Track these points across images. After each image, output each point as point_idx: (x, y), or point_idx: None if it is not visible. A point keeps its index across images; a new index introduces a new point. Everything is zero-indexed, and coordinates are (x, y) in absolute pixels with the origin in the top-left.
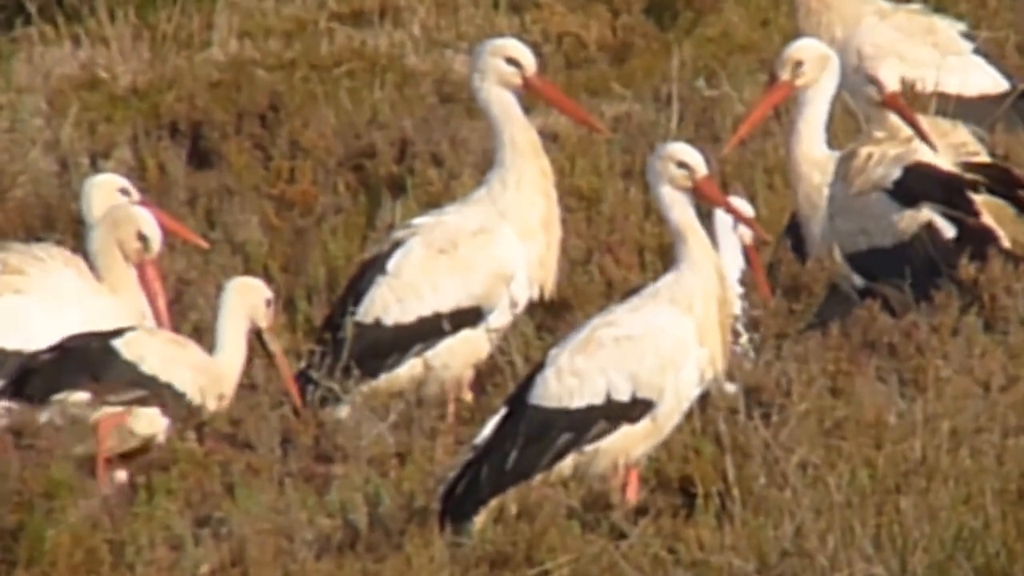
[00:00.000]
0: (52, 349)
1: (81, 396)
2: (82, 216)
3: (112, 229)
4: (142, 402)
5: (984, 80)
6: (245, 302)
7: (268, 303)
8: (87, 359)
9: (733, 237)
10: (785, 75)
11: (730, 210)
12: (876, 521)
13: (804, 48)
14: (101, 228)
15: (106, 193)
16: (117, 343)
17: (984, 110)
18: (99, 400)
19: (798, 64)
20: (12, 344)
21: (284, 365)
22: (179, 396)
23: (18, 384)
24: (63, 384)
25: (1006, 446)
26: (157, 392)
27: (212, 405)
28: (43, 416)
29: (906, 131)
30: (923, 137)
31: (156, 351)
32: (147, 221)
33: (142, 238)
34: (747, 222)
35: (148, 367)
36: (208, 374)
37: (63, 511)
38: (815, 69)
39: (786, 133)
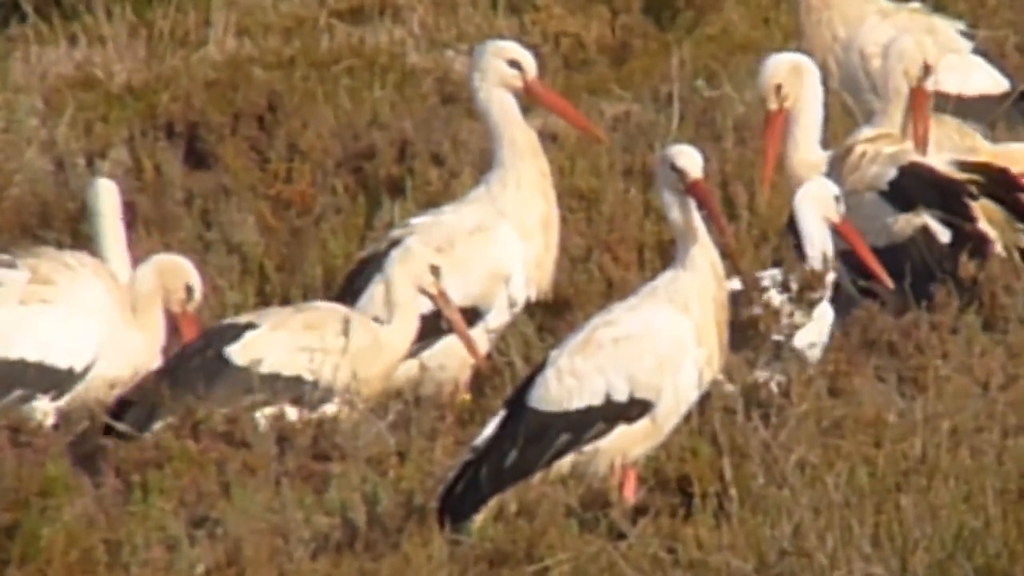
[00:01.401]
0: (163, 367)
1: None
2: (84, 214)
3: (160, 276)
4: (263, 404)
5: (984, 79)
6: (409, 271)
7: (434, 270)
8: (194, 375)
9: (821, 226)
10: (773, 104)
11: (713, 216)
12: (875, 520)
13: (774, 71)
14: (147, 273)
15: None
16: (231, 350)
17: (984, 109)
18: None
19: (778, 88)
20: (33, 356)
21: (460, 325)
22: (310, 385)
23: (120, 411)
24: (166, 410)
25: (1006, 445)
26: (281, 389)
27: (369, 378)
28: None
29: (897, 126)
30: (921, 139)
31: (279, 346)
32: (195, 274)
33: (188, 290)
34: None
35: (268, 366)
36: (360, 348)
37: (59, 510)
38: (795, 84)
39: (783, 140)
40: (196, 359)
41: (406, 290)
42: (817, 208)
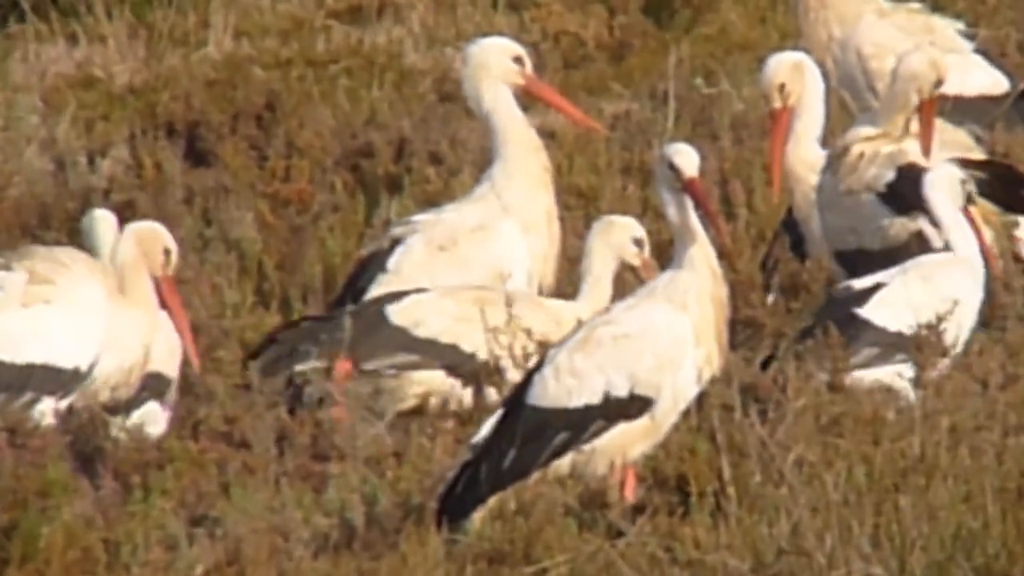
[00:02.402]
0: (322, 316)
1: (317, 364)
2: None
3: (139, 244)
4: (416, 366)
5: (984, 79)
6: (611, 242)
7: (638, 242)
8: (352, 325)
9: (955, 212)
10: (777, 103)
11: (709, 213)
12: (874, 520)
13: (777, 69)
14: (128, 242)
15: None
16: (390, 309)
17: (983, 109)
18: (355, 367)
19: (781, 87)
20: (40, 359)
21: None
22: (468, 357)
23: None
24: (308, 354)
25: (1005, 444)
26: (435, 355)
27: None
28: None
29: (898, 130)
30: (926, 148)
31: (442, 312)
32: (170, 237)
33: (166, 253)
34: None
35: (425, 331)
36: (539, 331)
37: (58, 509)
38: (797, 81)
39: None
40: (359, 312)
41: (605, 261)
42: (948, 194)
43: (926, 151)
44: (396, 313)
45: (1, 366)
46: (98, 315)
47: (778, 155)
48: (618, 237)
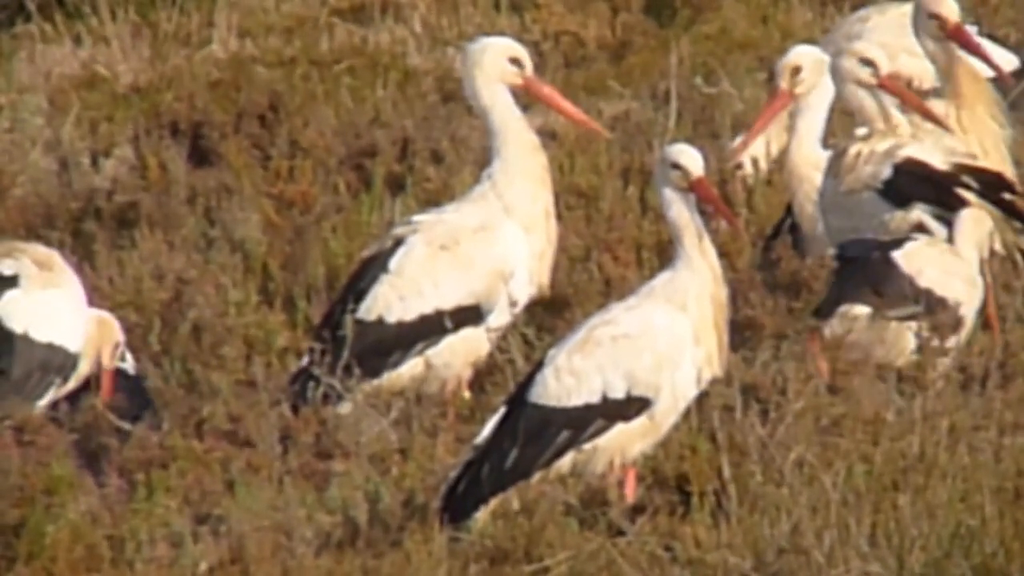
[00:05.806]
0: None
1: (862, 310)
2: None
3: (98, 337)
4: (914, 317)
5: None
6: (978, 231)
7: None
8: (866, 271)
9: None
10: (784, 84)
11: (721, 210)
12: (873, 519)
13: (800, 55)
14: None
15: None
16: (897, 255)
17: (999, 89)
18: (879, 314)
19: (796, 71)
20: (56, 339)
21: (992, 309)
22: (951, 310)
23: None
24: (846, 296)
25: (1003, 444)
26: (930, 306)
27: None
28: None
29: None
30: (931, 117)
31: (935, 263)
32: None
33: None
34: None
35: (925, 280)
36: (975, 289)
37: (63, 507)
38: (813, 75)
39: (787, 135)
40: (865, 257)
41: (971, 246)
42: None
43: (933, 119)
44: (903, 259)
45: (30, 344)
46: (84, 303)
47: (759, 128)
48: (982, 229)
